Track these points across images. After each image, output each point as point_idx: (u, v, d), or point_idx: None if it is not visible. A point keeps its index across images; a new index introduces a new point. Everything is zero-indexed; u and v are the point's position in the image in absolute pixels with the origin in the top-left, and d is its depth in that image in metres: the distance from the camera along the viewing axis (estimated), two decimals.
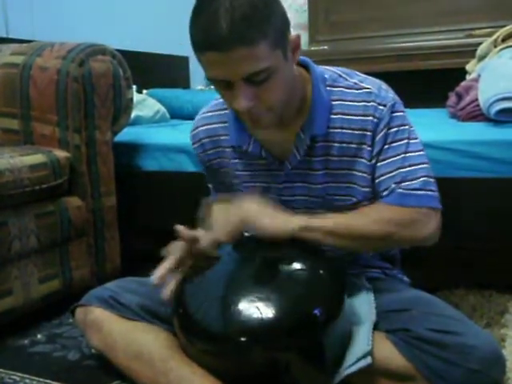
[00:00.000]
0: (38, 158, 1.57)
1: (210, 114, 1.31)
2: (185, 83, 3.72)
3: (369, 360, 1.04)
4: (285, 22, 1.04)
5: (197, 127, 1.33)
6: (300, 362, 1.01)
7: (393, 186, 1.15)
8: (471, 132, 1.65)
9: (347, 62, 3.42)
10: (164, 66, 3.50)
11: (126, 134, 1.99)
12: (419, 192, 1.14)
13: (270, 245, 1.19)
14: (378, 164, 1.17)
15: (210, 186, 1.43)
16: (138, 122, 2.51)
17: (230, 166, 1.30)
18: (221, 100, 1.24)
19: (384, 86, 1.19)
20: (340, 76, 1.19)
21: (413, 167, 1.15)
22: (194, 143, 1.35)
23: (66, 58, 1.68)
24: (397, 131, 1.16)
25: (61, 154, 1.64)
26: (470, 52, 2.64)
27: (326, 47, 3.84)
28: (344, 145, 1.18)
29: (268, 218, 1.12)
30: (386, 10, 3.74)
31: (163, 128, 2.38)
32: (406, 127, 1.17)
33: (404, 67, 3.53)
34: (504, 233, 1.62)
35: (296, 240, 1.14)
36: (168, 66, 3.55)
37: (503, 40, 2.29)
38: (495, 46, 2.31)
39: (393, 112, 1.15)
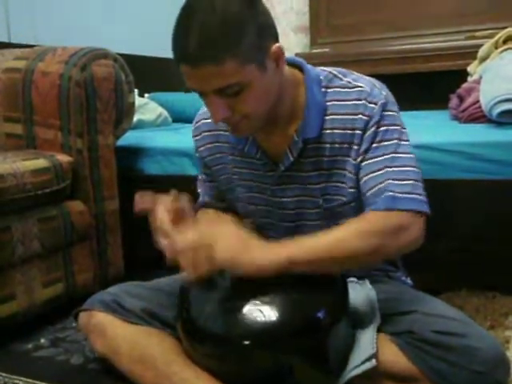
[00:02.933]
0: (40, 162, 1.57)
1: None
2: (186, 87, 3.72)
3: (373, 362, 1.04)
4: (262, 35, 1.03)
5: (199, 120, 1.33)
6: (304, 365, 1.01)
7: (379, 186, 1.09)
8: (473, 134, 1.65)
9: (348, 65, 3.41)
10: (166, 70, 3.49)
11: (129, 138, 2.00)
12: (408, 195, 1.08)
13: None
14: (364, 163, 1.13)
15: (199, 190, 1.42)
16: (140, 125, 2.51)
17: (228, 162, 1.30)
18: None
19: (378, 84, 1.17)
20: (335, 76, 1.18)
21: (401, 168, 1.10)
22: (195, 136, 1.35)
23: (68, 63, 1.69)
24: (386, 130, 1.12)
25: (63, 158, 1.65)
26: (471, 54, 2.63)
27: (327, 50, 3.83)
28: (336, 145, 1.17)
29: (247, 255, 1.02)
30: (387, 12, 3.73)
31: (165, 132, 2.39)
32: (397, 128, 1.13)
33: (405, 69, 3.53)
34: (507, 234, 1.62)
35: None
36: (170, 70, 3.54)
37: (504, 41, 2.29)
38: (496, 48, 2.31)
39: (384, 111, 1.12)
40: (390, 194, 1.08)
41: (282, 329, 0.99)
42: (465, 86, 2.11)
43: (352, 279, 1.22)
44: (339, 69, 1.21)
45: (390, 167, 1.10)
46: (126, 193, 1.86)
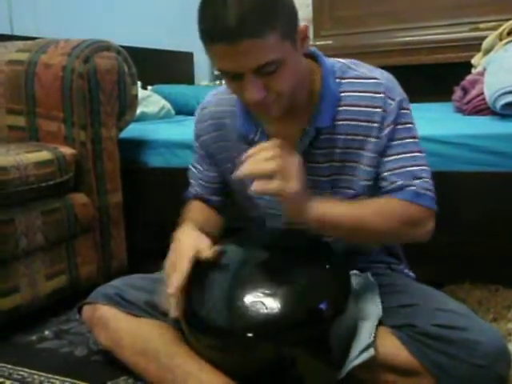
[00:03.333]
0: (43, 154, 1.58)
1: (220, 96, 1.30)
2: (189, 79, 3.72)
3: (371, 352, 1.04)
4: (294, 13, 1.03)
5: (205, 107, 1.32)
6: (306, 356, 1.01)
7: (401, 182, 1.14)
8: (477, 126, 1.65)
9: (352, 57, 3.39)
10: (169, 62, 3.50)
11: (132, 131, 2.00)
12: (428, 193, 1.15)
13: (275, 240, 1.19)
14: (386, 159, 1.16)
15: (191, 180, 1.41)
16: (143, 118, 2.51)
17: (232, 151, 1.28)
18: None
19: (392, 78, 1.18)
20: (349, 67, 1.18)
21: (420, 167, 1.16)
22: (199, 123, 1.33)
23: (71, 55, 1.68)
24: (404, 128, 1.16)
25: (66, 150, 1.65)
26: (475, 46, 2.62)
27: (330, 42, 3.82)
28: (349, 137, 1.17)
29: (304, 202, 1.05)
30: (390, 3, 3.72)
31: (168, 124, 2.39)
32: (412, 125, 1.17)
33: (409, 61, 3.52)
34: (510, 227, 1.61)
35: (301, 234, 1.14)
36: (173, 62, 3.56)
37: (509, 33, 2.28)
38: (501, 40, 2.30)
39: (401, 108, 1.15)
40: (413, 188, 1.14)
41: (284, 321, 0.99)
42: (469, 78, 2.11)
43: (354, 272, 1.23)
44: (353, 60, 1.21)
45: (411, 166, 1.15)
46: (129, 185, 1.86)
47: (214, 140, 1.31)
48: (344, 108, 1.16)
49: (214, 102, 1.30)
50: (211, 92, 1.34)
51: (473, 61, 2.54)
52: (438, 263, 1.62)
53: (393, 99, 1.14)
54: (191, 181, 1.41)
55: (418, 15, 3.64)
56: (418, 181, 1.14)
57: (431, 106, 2.42)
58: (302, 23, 1.06)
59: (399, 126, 1.15)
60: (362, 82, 1.16)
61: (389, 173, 1.16)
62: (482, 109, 1.80)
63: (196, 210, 1.36)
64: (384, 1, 3.75)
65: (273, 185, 0.99)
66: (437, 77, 3.35)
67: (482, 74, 1.97)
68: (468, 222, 1.59)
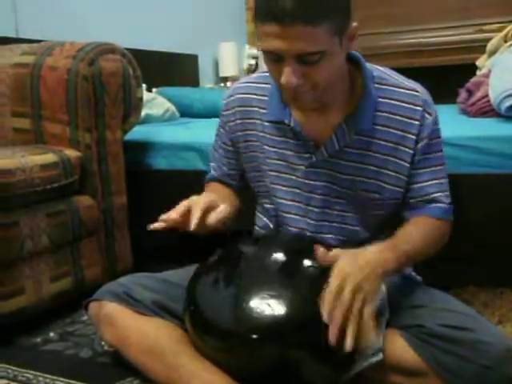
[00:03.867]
0: (49, 157, 1.58)
1: (248, 84, 1.30)
2: (194, 81, 3.72)
3: (380, 356, 1.04)
4: (349, 10, 1.05)
5: (232, 95, 1.32)
6: (311, 358, 1.01)
7: (438, 194, 1.21)
8: (481, 128, 1.65)
9: None
10: (173, 65, 3.51)
11: (136, 133, 2.00)
12: (451, 206, 1.23)
13: (280, 243, 1.19)
14: (424, 170, 1.21)
15: (212, 164, 1.42)
16: (147, 120, 2.52)
17: (257, 140, 1.29)
18: (263, 74, 1.25)
19: (428, 93, 1.22)
20: (387, 74, 1.20)
21: (445, 180, 1.23)
22: (225, 110, 1.33)
23: (76, 58, 1.69)
24: (436, 143, 1.21)
25: (72, 153, 1.65)
26: (480, 47, 2.62)
27: None
28: (382, 142, 1.18)
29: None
30: (395, 6, 3.72)
31: (173, 126, 2.39)
32: (441, 140, 1.22)
33: (414, 63, 3.52)
34: None
35: (308, 238, 1.14)
36: (177, 65, 3.56)
37: None
38: (505, 41, 2.30)
39: (435, 124, 1.20)
40: (443, 205, 1.22)
41: (289, 323, 0.99)
42: (473, 80, 2.11)
43: None
44: (389, 69, 1.23)
45: (439, 179, 1.22)
46: (133, 187, 1.87)
47: (240, 128, 1.31)
48: (383, 114, 1.17)
49: (242, 89, 1.31)
50: (238, 81, 1.35)
51: (477, 63, 2.54)
52: (443, 266, 1.61)
53: (430, 114, 1.18)
54: (211, 164, 1.43)
55: (422, 17, 3.64)
56: (444, 194, 1.22)
57: (436, 108, 2.42)
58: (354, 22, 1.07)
59: (433, 141, 1.20)
60: (401, 92, 1.18)
61: (425, 184, 1.21)
62: (486, 111, 1.80)
63: (214, 188, 1.38)
64: (388, 3, 3.75)
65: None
66: (441, 79, 3.34)
67: (486, 75, 1.97)
68: (473, 225, 1.59)
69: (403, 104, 1.17)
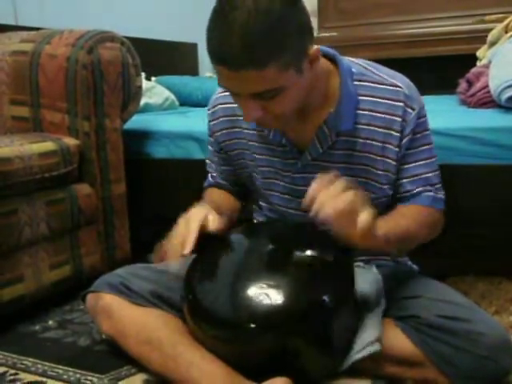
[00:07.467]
0: (47, 145, 1.58)
1: (228, 93, 1.30)
2: (193, 70, 3.71)
3: (378, 346, 1.05)
4: (303, 38, 0.99)
5: (215, 105, 1.32)
6: (309, 348, 1.02)
7: (420, 188, 1.19)
8: (481, 119, 1.64)
9: (356, 49, 3.40)
10: (173, 53, 3.50)
11: (135, 122, 2.00)
12: (442, 196, 1.23)
13: (279, 232, 1.19)
14: (405, 166, 1.19)
15: (209, 171, 1.43)
16: (147, 109, 2.51)
17: (245, 148, 1.29)
18: None
19: (412, 85, 1.18)
20: (366, 69, 1.18)
21: (435, 172, 1.21)
22: (212, 120, 1.33)
23: (75, 46, 1.68)
24: (422, 136, 1.18)
25: (70, 141, 1.65)
26: (480, 38, 2.61)
27: (335, 33, 3.81)
28: (368, 141, 1.17)
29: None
30: None
31: (172, 115, 2.39)
32: (428, 132, 1.20)
33: (414, 53, 3.50)
34: None
35: (305, 227, 1.14)
36: (177, 53, 3.55)
37: None
38: (506, 32, 2.29)
39: (419, 117, 1.17)
40: (431, 194, 1.20)
41: (287, 312, 0.99)
42: (474, 70, 2.10)
43: (358, 263, 1.23)
44: (368, 61, 1.21)
45: (428, 173, 1.20)
46: (132, 176, 1.87)
47: (227, 137, 1.32)
48: (364, 112, 1.16)
49: (222, 99, 1.30)
50: (218, 90, 1.32)
51: (478, 53, 2.53)
52: (440, 256, 1.62)
53: (413, 108, 1.15)
54: (208, 170, 1.44)
55: (423, 7, 3.62)
56: (433, 186, 1.20)
57: (436, 99, 2.41)
58: (314, 45, 1.02)
59: (417, 135, 1.18)
60: (381, 88, 1.15)
61: (406, 180, 1.20)
62: (486, 101, 1.80)
63: (212, 193, 1.39)
64: None
65: (364, 216, 0.95)
66: (441, 69, 3.34)
67: (487, 66, 1.96)
68: (471, 215, 1.59)
69: (385, 101, 1.15)
